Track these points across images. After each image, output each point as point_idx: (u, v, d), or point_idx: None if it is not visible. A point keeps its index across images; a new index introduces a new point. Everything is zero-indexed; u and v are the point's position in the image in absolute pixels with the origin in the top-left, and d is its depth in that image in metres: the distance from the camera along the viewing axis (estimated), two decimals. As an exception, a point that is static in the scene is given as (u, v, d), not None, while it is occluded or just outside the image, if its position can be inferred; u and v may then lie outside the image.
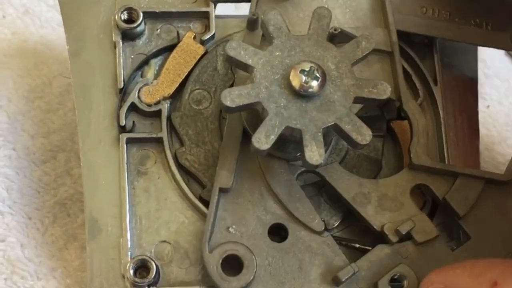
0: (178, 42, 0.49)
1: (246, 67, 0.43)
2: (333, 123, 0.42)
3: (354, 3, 0.51)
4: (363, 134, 0.42)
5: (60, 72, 0.56)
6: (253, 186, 0.45)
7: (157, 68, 0.49)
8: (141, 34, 0.49)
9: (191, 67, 0.48)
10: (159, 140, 0.46)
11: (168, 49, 0.49)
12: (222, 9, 0.50)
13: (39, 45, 0.57)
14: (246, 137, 0.44)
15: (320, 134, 0.42)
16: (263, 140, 0.42)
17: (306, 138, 0.42)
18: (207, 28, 0.50)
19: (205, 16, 0.50)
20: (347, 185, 0.46)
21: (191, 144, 0.47)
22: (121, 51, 0.48)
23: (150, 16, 0.49)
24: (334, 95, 0.43)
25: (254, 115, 0.45)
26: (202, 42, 0.49)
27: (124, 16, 0.48)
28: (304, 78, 0.42)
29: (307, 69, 0.42)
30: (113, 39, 0.48)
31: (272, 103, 0.42)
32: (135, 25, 0.48)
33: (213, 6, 0.50)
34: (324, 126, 0.42)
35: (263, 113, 0.42)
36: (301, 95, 0.42)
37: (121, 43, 0.48)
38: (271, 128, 0.42)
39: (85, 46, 0.48)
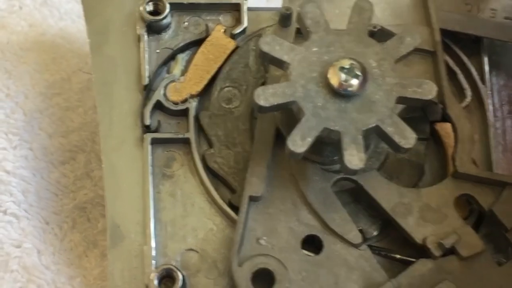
0: (207, 36, 0.46)
1: (281, 64, 0.40)
2: (374, 125, 0.39)
3: (394, 4, 0.48)
4: (407, 137, 0.39)
5: (80, 67, 0.54)
6: (285, 194, 0.42)
7: (184, 63, 0.46)
8: (167, 27, 0.47)
9: (221, 63, 0.46)
10: (186, 141, 0.44)
11: (196, 44, 0.46)
12: (253, 1, 0.48)
13: (58, 39, 0.55)
14: (279, 140, 0.42)
15: (360, 136, 0.39)
16: (298, 142, 0.38)
17: (345, 141, 0.39)
18: (238, 21, 0.47)
19: (236, 8, 0.47)
20: (387, 194, 0.42)
21: (221, 146, 0.44)
22: (146, 45, 0.45)
23: (177, 7, 0.47)
24: (376, 95, 0.40)
25: (289, 115, 0.42)
26: (233, 36, 0.47)
27: (150, 7, 0.46)
28: (343, 76, 0.39)
29: (347, 67, 0.39)
30: (138, 32, 0.46)
31: (309, 103, 0.39)
32: (161, 17, 0.46)
33: None
34: (364, 128, 0.39)
35: (299, 114, 0.39)
36: (340, 94, 0.39)
37: (146, 36, 0.46)
38: (308, 130, 0.39)
39: (107, 40, 0.46)
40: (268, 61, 0.41)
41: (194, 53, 0.46)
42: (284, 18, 0.46)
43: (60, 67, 0.54)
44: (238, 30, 0.47)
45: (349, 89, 0.39)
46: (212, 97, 0.45)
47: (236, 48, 0.46)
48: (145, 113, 0.44)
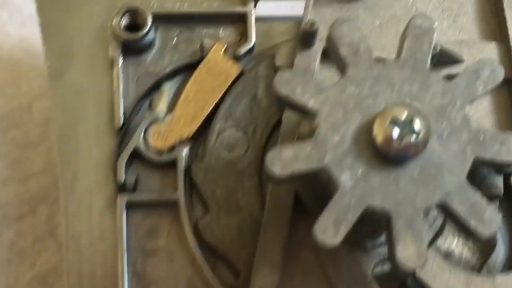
0: (202, 57, 0.37)
1: (305, 111, 0.30)
2: (439, 201, 0.29)
3: (454, 5, 0.38)
4: (486, 221, 0.29)
5: (44, 90, 0.45)
6: (309, 285, 0.33)
7: (172, 96, 0.37)
8: (150, 46, 0.37)
9: (220, 94, 0.37)
10: (174, 204, 0.35)
11: (188, 68, 0.37)
12: (264, 6, 0.38)
13: (18, 52, 0.46)
14: (298, 207, 0.33)
15: (420, 219, 0.28)
16: (330, 230, 0.28)
17: (398, 226, 0.28)
18: (243, 36, 0.38)
19: (241, 19, 0.38)
20: (449, 284, 0.31)
21: (220, 211, 0.35)
22: (121, 71, 0.37)
23: (163, 19, 0.37)
24: (442, 157, 0.29)
25: (315, 183, 0.31)
26: (237, 58, 0.37)
27: (126, 20, 0.37)
28: (396, 131, 0.28)
29: (401, 118, 0.28)
30: (110, 54, 0.37)
31: (346, 171, 0.29)
32: (141, 33, 0.37)
33: (252, 5, 0.38)
34: (425, 207, 0.29)
35: (331, 186, 0.29)
36: (391, 158, 0.29)
37: (121, 59, 0.37)
38: (344, 211, 0.28)
39: (70, 64, 0.37)
40: (287, 106, 0.31)
41: (185, 81, 0.37)
42: (306, 37, 0.35)
43: (19, 90, 0.45)
44: (243, 49, 0.37)
45: (405, 151, 0.28)
46: (209, 143, 0.36)
47: (241, 74, 0.37)
48: (119, 165, 0.36)
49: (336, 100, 0.30)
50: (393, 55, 0.33)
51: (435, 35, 0.31)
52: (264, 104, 0.37)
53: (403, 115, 0.29)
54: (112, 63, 0.37)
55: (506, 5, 0.37)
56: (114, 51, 0.37)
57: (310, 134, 0.30)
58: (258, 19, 0.38)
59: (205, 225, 0.35)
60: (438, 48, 0.35)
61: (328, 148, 0.29)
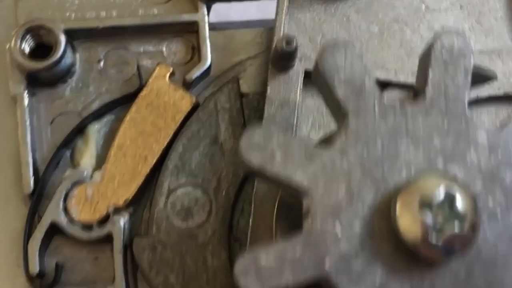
0: (141, 86, 0.29)
1: (289, 188, 0.21)
2: None
3: (479, 8, 0.29)
4: None
5: None
6: None
7: (101, 142, 0.30)
8: (67, 74, 0.29)
9: (168, 138, 0.29)
10: None
11: (122, 102, 0.30)
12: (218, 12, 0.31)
13: None
14: None
15: None
16: None
17: None
18: (194, 53, 0.30)
19: (191, 30, 0.30)
20: None
21: None
22: (26, 113, 0.29)
23: (83, 37, 0.30)
24: (498, 247, 0.20)
25: None
26: (188, 84, 0.29)
27: (30, 42, 0.29)
28: (431, 219, 0.20)
29: (437, 197, 0.20)
30: (11, 90, 0.29)
31: (356, 281, 0.20)
32: (52, 59, 0.28)
33: (204, 10, 0.30)
34: None
35: None
36: (425, 257, 0.20)
37: (26, 96, 0.29)
38: None
39: None
40: (263, 180, 0.22)
41: (119, 122, 0.29)
42: (281, 58, 0.26)
43: None
44: (197, 71, 0.29)
45: (446, 247, 0.20)
46: (156, 209, 0.29)
47: (195, 107, 0.29)
48: (31, 249, 0.28)
49: (334, 169, 0.21)
50: (401, 75, 0.24)
51: (472, 60, 0.21)
52: (228, 148, 0.29)
53: (439, 192, 0.20)
54: (15, 102, 0.29)
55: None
56: (17, 86, 0.29)
57: (300, 216, 0.21)
58: (214, 28, 0.30)
59: (156, 327, 0.27)
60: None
61: (328, 247, 0.20)
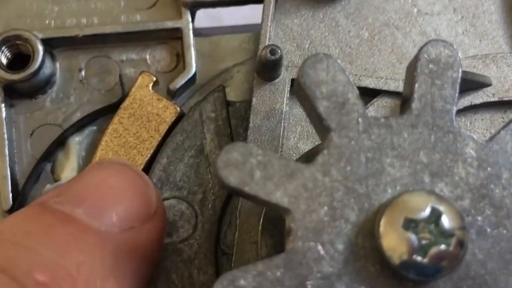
0: (124, 96, 0.28)
1: (273, 207, 0.20)
2: None
3: (473, 10, 0.28)
4: None
5: None
6: None
7: (82, 155, 0.29)
8: (47, 84, 0.28)
9: (151, 150, 0.28)
10: None
11: (104, 113, 0.29)
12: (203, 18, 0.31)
13: None
14: None
15: None
16: None
17: None
18: (179, 61, 0.29)
19: (175, 36, 0.29)
20: None
21: None
22: (3, 126, 0.28)
23: (63, 45, 0.28)
24: (486, 265, 0.19)
25: None
26: (173, 94, 0.28)
27: (7, 54, 0.28)
28: (415, 238, 0.19)
29: (422, 214, 0.19)
30: None
31: None
32: (30, 70, 0.27)
33: (189, 16, 0.28)
34: None
35: None
36: (411, 278, 0.19)
37: (3, 108, 0.28)
38: None
39: None
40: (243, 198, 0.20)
41: (100, 133, 0.28)
42: (266, 67, 0.25)
43: None
44: (181, 80, 0.28)
45: (431, 266, 0.19)
46: None
47: (180, 117, 0.28)
48: None
49: (316, 187, 0.20)
50: (392, 82, 0.23)
51: (460, 71, 0.20)
52: (214, 160, 0.27)
53: (425, 210, 0.19)
54: (-7, 114, 0.27)
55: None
56: (-6, 98, 0.27)
57: (286, 237, 0.20)
58: (200, 34, 0.29)
59: None
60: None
61: (310, 267, 0.19)
